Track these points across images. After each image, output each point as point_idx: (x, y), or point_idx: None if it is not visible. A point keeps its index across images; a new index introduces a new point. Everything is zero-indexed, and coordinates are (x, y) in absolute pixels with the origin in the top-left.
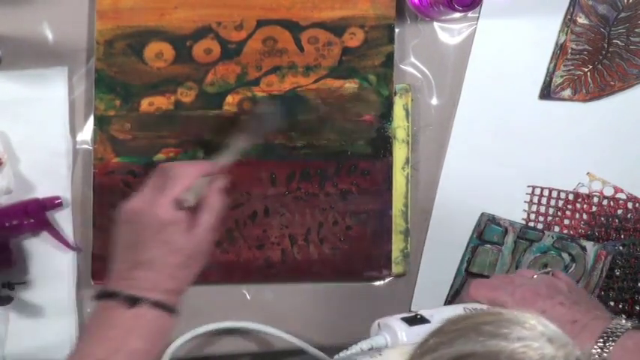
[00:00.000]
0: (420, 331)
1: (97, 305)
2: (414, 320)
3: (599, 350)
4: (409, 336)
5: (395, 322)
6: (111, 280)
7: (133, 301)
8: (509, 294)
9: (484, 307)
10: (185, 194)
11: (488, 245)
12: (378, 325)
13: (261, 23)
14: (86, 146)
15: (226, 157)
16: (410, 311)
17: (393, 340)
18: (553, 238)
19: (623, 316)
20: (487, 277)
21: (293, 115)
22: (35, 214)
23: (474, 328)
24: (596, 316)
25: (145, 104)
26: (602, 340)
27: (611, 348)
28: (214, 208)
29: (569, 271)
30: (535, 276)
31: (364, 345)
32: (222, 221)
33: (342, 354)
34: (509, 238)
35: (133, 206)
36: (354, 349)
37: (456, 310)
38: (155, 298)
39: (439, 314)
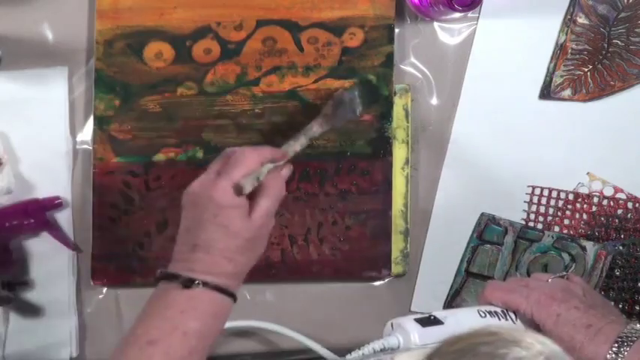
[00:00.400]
0: (433, 333)
1: (157, 287)
2: (428, 321)
3: (613, 355)
4: (422, 337)
5: (408, 322)
6: (172, 262)
7: (189, 283)
8: (524, 297)
9: (498, 309)
10: (244, 180)
11: (488, 245)
12: (392, 325)
13: (260, 23)
14: (86, 146)
15: (295, 145)
16: (423, 312)
17: (405, 341)
18: (553, 238)
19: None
20: (487, 277)
21: (370, 101)
22: (35, 215)
23: (471, 350)
24: (611, 320)
25: (145, 104)
26: (616, 344)
27: (625, 353)
28: (274, 194)
29: (569, 271)
30: (550, 280)
31: (376, 345)
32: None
33: (353, 354)
34: (509, 238)
35: (194, 189)
36: (366, 349)
37: (470, 312)
38: (211, 280)
39: (453, 316)
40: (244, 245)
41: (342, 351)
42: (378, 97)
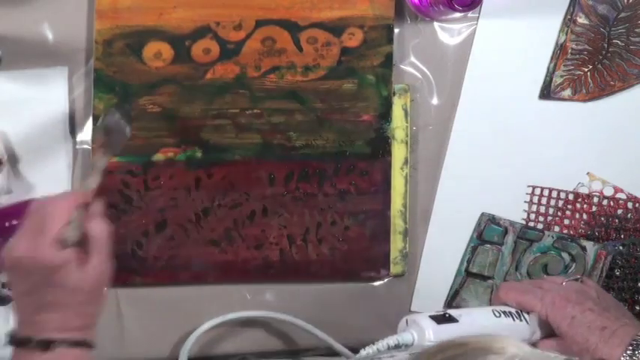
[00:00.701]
0: (448, 330)
1: (14, 353)
2: (443, 319)
3: (627, 358)
4: (437, 334)
5: (423, 319)
6: (19, 325)
7: (47, 345)
8: (539, 298)
9: (512, 310)
10: (65, 232)
11: (488, 245)
12: (406, 321)
13: (260, 23)
14: (86, 146)
15: (92, 180)
16: (439, 310)
17: (420, 338)
18: (553, 238)
19: None
20: (487, 277)
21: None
22: None
23: None
24: (625, 323)
25: (144, 104)
26: (631, 347)
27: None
28: (100, 236)
29: (569, 271)
30: (565, 282)
31: (391, 341)
32: (113, 244)
33: (367, 349)
34: (509, 238)
35: (16, 253)
36: (380, 344)
37: (485, 312)
38: (69, 337)
39: (468, 315)
40: (87, 298)
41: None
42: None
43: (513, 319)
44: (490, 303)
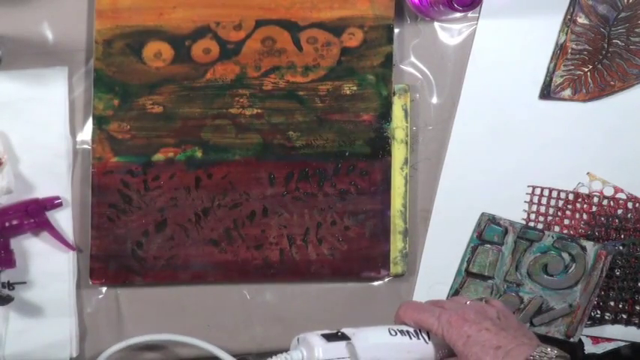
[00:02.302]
0: (338, 348)
1: None
2: (334, 337)
3: None
4: (326, 352)
5: (313, 337)
6: None
7: None
8: (436, 317)
9: (410, 329)
10: None
11: (488, 245)
12: (298, 340)
13: (259, 23)
14: (86, 146)
15: None
16: (332, 328)
17: (309, 356)
18: (553, 238)
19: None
20: (487, 277)
21: None
22: (35, 214)
23: None
24: (522, 342)
25: (144, 104)
26: None
27: None
28: None
29: (569, 271)
30: (468, 302)
31: (279, 358)
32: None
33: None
34: (509, 238)
35: None
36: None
37: (381, 330)
38: None
39: (361, 333)
40: None
41: None
42: None
43: (410, 338)
44: None
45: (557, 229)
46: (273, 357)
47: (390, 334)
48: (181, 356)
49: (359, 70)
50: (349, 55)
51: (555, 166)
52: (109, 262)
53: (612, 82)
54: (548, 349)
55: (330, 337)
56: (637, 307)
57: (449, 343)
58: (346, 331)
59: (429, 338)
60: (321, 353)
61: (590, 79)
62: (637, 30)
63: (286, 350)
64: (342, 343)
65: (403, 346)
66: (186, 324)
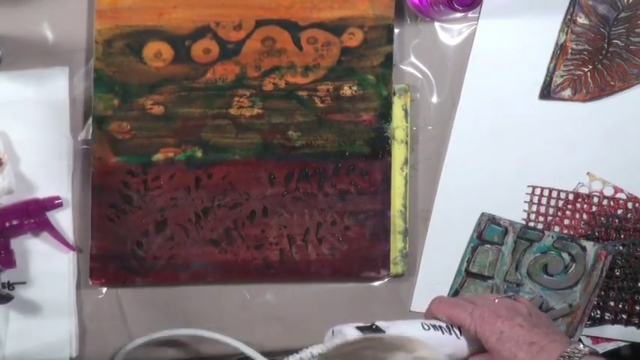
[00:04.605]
0: None
1: None
2: (369, 329)
3: None
4: None
5: (348, 329)
6: None
7: None
8: (469, 312)
9: (442, 324)
10: None
11: (488, 245)
12: (332, 332)
13: (260, 23)
14: (86, 146)
15: None
16: (367, 321)
17: None
18: (553, 238)
19: (582, 343)
20: (487, 277)
21: None
22: (36, 214)
23: (354, 354)
24: (554, 339)
25: (144, 104)
26: None
27: None
28: None
29: (569, 271)
30: (497, 300)
31: (314, 350)
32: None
33: (291, 357)
34: (509, 238)
35: None
36: (304, 353)
37: (414, 324)
38: None
39: (395, 327)
40: None
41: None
42: None
43: (442, 333)
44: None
45: (557, 229)
46: (310, 347)
47: (423, 328)
48: (196, 354)
49: (359, 70)
50: (349, 55)
51: (555, 166)
52: (109, 262)
53: (612, 82)
54: (581, 346)
55: (364, 330)
56: (637, 307)
57: (481, 339)
58: (380, 324)
59: (460, 333)
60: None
61: (590, 79)
62: (637, 30)
63: (287, 350)
64: (377, 335)
65: (435, 341)
66: (187, 324)
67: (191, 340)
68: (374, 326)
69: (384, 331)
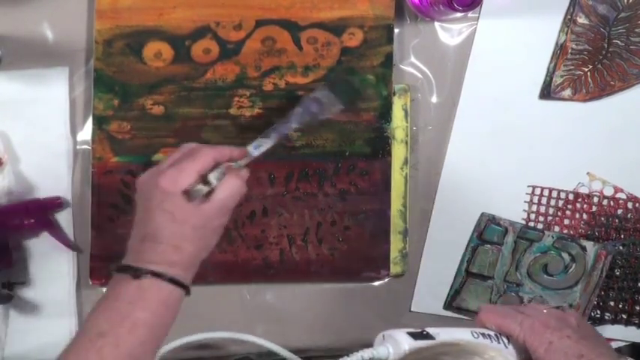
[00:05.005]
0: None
1: (110, 280)
2: (420, 336)
3: None
4: (412, 350)
5: (400, 334)
6: (126, 254)
7: (137, 273)
8: (518, 322)
9: (491, 332)
10: (197, 185)
11: (488, 245)
12: (383, 336)
13: (260, 23)
14: (86, 146)
15: (264, 143)
16: (416, 327)
17: (395, 353)
18: (553, 238)
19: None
20: (487, 277)
21: (346, 100)
22: (36, 214)
23: (432, 359)
24: (602, 353)
25: (144, 104)
26: None
27: None
28: (231, 188)
29: (569, 271)
30: (546, 310)
31: (366, 354)
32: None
33: None
34: (509, 238)
35: (143, 178)
36: (355, 356)
37: (464, 332)
38: (157, 269)
39: (446, 333)
40: (192, 233)
41: (343, 351)
42: (355, 93)
43: (491, 341)
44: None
45: (557, 229)
46: (360, 351)
47: (473, 336)
48: (224, 353)
49: (359, 70)
50: (349, 55)
51: (555, 166)
52: (109, 262)
53: (612, 82)
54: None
55: (415, 336)
56: (637, 307)
57: (529, 349)
58: (431, 330)
59: (508, 342)
60: (407, 350)
61: (590, 79)
62: (637, 30)
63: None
64: (428, 342)
65: None
66: (187, 324)
67: (214, 341)
68: (424, 332)
69: (434, 338)
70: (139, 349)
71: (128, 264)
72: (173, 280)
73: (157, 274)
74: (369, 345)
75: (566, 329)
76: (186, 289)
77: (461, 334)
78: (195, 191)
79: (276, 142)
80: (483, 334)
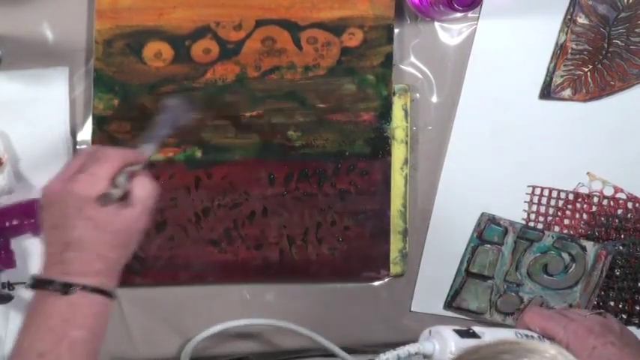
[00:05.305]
0: (470, 344)
1: (33, 295)
2: (466, 333)
3: None
4: (458, 347)
5: (447, 331)
6: (45, 266)
7: (66, 288)
8: (562, 326)
9: (535, 335)
10: (111, 189)
11: (488, 245)
12: (430, 332)
13: (259, 23)
14: (86, 146)
15: (148, 148)
16: (463, 325)
17: (441, 349)
18: (553, 238)
19: None
20: (487, 277)
21: (203, 108)
22: (35, 215)
23: (493, 357)
24: None
25: (144, 104)
26: None
27: None
28: (146, 188)
29: (569, 271)
30: (588, 315)
31: (412, 348)
32: (155, 208)
33: (388, 354)
34: (509, 238)
35: (52, 186)
36: (401, 350)
37: (508, 332)
38: (87, 282)
39: (491, 333)
40: (115, 240)
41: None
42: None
43: None
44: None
45: (557, 229)
46: (406, 346)
47: (517, 336)
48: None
49: (359, 70)
50: (349, 55)
51: (555, 166)
52: None
53: (612, 82)
54: None
55: (462, 334)
56: (637, 307)
57: (572, 354)
58: (476, 329)
59: None
60: (453, 347)
61: (590, 79)
62: (637, 30)
63: (288, 350)
64: (474, 341)
65: None
66: (187, 324)
67: (252, 333)
68: (471, 331)
69: (480, 337)
70: None
71: (52, 278)
72: (103, 292)
73: (89, 289)
74: (369, 345)
75: (610, 336)
76: (113, 296)
77: (506, 334)
78: (110, 195)
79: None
80: (527, 336)
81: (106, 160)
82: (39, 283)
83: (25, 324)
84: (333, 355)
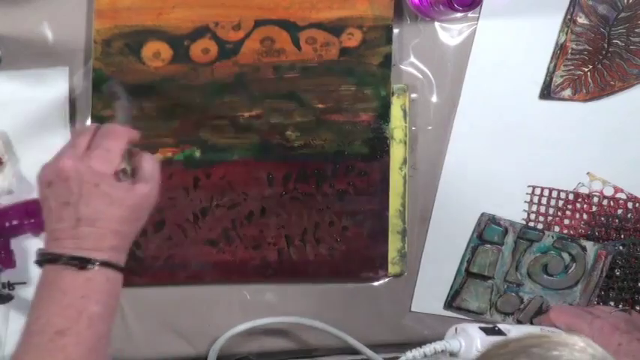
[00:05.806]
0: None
1: (43, 271)
2: (492, 331)
3: None
4: (484, 345)
5: (472, 328)
6: (53, 240)
7: (84, 263)
8: (588, 323)
9: (561, 332)
10: (125, 165)
11: (488, 245)
12: (456, 329)
13: (258, 23)
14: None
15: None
16: (488, 323)
17: (467, 346)
18: (553, 238)
19: None
20: (487, 277)
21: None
22: (36, 215)
23: (522, 351)
24: None
25: (143, 103)
26: None
27: None
28: (153, 163)
29: (569, 271)
30: (613, 312)
31: (438, 345)
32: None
33: (414, 351)
34: (509, 238)
35: (66, 163)
36: (427, 348)
37: (534, 329)
38: (104, 258)
39: (517, 330)
40: (129, 215)
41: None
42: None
43: None
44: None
45: (557, 229)
46: (432, 343)
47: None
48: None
49: (358, 70)
50: (348, 56)
51: (555, 166)
52: None
53: (612, 82)
54: None
55: (487, 331)
56: (637, 307)
57: None
58: (502, 327)
59: None
60: (479, 345)
61: (590, 79)
62: (637, 30)
63: (288, 351)
64: (499, 338)
65: None
66: (186, 324)
67: (280, 331)
68: (496, 328)
69: (505, 334)
70: (99, 343)
71: (67, 253)
72: (118, 267)
73: (106, 264)
74: (369, 344)
75: (636, 332)
76: (125, 272)
77: (532, 331)
78: (124, 171)
79: None
80: (553, 333)
81: (116, 137)
82: (52, 258)
83: (38, 300)
84: (334, 354)
